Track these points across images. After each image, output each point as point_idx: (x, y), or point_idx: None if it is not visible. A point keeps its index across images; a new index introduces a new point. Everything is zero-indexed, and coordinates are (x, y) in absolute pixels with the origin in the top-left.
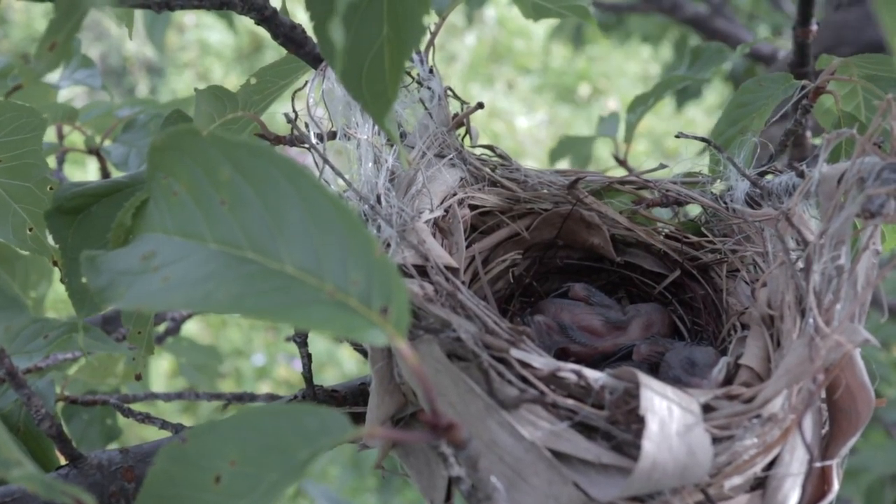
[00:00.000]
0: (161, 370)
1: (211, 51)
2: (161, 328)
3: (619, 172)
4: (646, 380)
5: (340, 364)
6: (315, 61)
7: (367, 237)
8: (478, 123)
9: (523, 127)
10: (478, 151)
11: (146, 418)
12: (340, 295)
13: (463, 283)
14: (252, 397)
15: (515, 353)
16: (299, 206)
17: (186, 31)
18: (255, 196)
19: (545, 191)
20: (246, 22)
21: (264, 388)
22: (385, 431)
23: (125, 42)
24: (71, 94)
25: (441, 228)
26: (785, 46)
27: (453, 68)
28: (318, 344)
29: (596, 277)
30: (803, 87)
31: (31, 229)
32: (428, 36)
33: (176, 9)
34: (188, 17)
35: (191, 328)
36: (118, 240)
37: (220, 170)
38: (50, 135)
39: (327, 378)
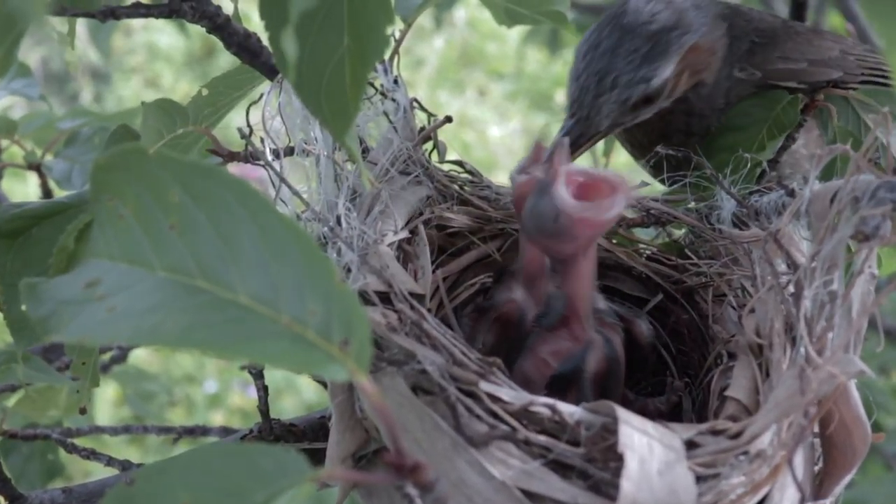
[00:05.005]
0: (106, 398)
1: (160, 55)
2: (107, 356)
3: None
4: (624, 415)
5: (299, 391)
6: (271, 72)
7: (325, 264)
8: (447, 134)
9: (496, 136)
10: (446, 167)
11: (91, 454)
12: (298, 327)
13: (429, 310)
14: (204, 431)
15: (485, 385)
16: (253, 231)
17: (134, 34)
18: (206, 221)
19: None
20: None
21: (217, 416)
22: (345, 473)
23: (68, 46)
24: (8, 102)
25: (406, 251)
26: None
27: (421, 74)
28: (277, 370)
29: None
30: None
31: None
32: (393, 44)
33: (122, 17)
34: (136, 20)
35: (139, 352)
36: (60, 266)
37: (169, 192)
38: None
39: (286, 406)
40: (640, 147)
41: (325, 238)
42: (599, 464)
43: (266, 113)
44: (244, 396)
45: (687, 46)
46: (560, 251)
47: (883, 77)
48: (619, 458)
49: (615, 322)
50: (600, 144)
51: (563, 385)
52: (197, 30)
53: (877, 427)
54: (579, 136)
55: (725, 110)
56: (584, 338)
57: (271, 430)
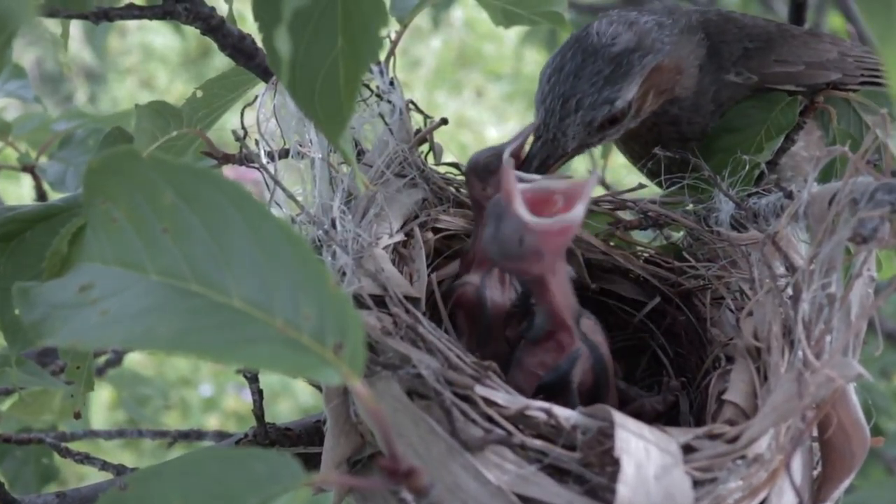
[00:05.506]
0: (101, 401)
1: (155, 55)
2: (102, 360)
3: (597, 190)
4: (621, 419)
5: (295, 395)
6: (266, 73)
7: (319, 268)
8: (444, 135)
9: (493, 138)
10: (442, 170)
11: (85, 458)
12: (291, 331)
13: (424, 313)
14: (199, 435)
15: (480, 389)
16: (247, 234)
17: (129, 35)
18: (199, 224)
19: None
20: None
21: (212, 420)
22: (340, 477)
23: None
24: (2, 103)
25: (401, 254)
26: None
27: (417, 74)
28: (272, 374)
29: None
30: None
31: None
32: (388, 45)
33: (115, 19)
34: (130, 20)
35: (134, 356)
36: (53, 269)
37: (162, 195)
38: None
39: (281, 410)
40: (638, 157)
41: (319, 241)
42: (596, 468)
43: (261, 115)
44: (239, 400)
45: (649, 68)
46: (527, 272)
47: (882, 78)
48: (616, 463)
49: (594, 320)
50: (597, 148)
51: (549, 394)
52: (192, 30)
53: (876, 431)
54: (546, 157)
55: (718, 112)
56: (571, 347)
57: (266, 435)
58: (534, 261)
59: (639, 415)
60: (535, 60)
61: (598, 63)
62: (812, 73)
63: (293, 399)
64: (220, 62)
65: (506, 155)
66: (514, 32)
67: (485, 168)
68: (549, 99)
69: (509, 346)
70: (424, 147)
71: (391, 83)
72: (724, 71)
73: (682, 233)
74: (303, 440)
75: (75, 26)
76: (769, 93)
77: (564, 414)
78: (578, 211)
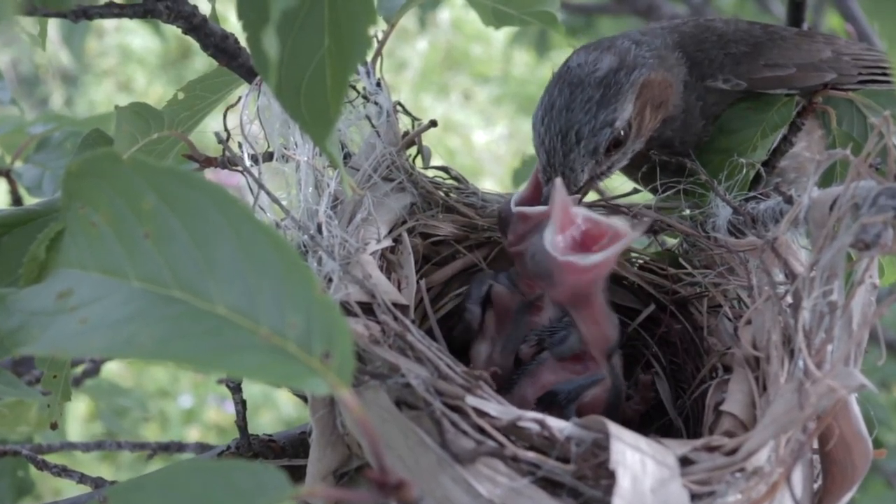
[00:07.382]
0: (77, 412)
1: (133, 57)
2: (79, 370)
3: (590, 196)
4: (616, 431)
5: (277, 406)
6: (249, 74)
7: (306, 274)
8: (431, 139)
9: (481, 142)
10: (430, 173)
11: (63, 471)
12: (277, 339)
13: (413, 321)
14: (180, 447)
15: (471, 400)
16: (231, 239)
17: (106, 36)
18: (182, 228)
19: None
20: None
21: (193, 432)
22: (327, 490)
23: (38, 48)
24: None
25: (389, 261)
26: None
27: (403, 76)
28: (254, 384)
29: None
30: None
31: None
32: (376, 45)
33: (94, 17)
34: (108, 21)
35: (112, 365)
36: (31, 275)
37: (143, 199)
38: None
39: (263, 422)
40: (637, 178)
41: (305, 247)
42: (590, 481)
43: (244, 117)
44: (220, 411)
45: (639, 83)
46: (554, 295)
47: (883, 75)
48: (611, 476)
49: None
50: None
51: (550, 404)
52: (172, 31)
53: (877, 443)
54: None
55: (710, 125)
56: (595, 371)
57: (250, 446)
58: (554, 285)
59: (625, 422)
60: (524, 62)
61: (586, 91)
62: (804, 75)
63: (276, 411)
64: (201, 64)
65: (512, 204)
66: (503, 34)
67: (500, 218)
68: (547, 139)
69: (517, 365)
70: (412, 150)
71: (378, 84)
72: (710, 79)
73: (677, 239)
74: (287, 452)
75: (52, 28)
76: (765, 94)
77: (558, 425)
78: (603, 257)
